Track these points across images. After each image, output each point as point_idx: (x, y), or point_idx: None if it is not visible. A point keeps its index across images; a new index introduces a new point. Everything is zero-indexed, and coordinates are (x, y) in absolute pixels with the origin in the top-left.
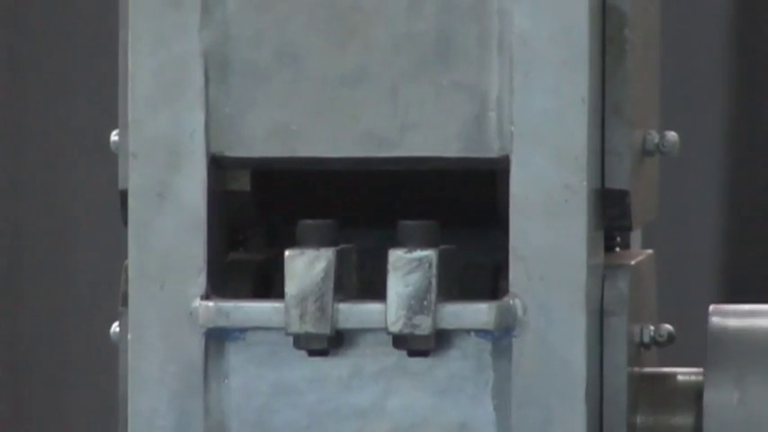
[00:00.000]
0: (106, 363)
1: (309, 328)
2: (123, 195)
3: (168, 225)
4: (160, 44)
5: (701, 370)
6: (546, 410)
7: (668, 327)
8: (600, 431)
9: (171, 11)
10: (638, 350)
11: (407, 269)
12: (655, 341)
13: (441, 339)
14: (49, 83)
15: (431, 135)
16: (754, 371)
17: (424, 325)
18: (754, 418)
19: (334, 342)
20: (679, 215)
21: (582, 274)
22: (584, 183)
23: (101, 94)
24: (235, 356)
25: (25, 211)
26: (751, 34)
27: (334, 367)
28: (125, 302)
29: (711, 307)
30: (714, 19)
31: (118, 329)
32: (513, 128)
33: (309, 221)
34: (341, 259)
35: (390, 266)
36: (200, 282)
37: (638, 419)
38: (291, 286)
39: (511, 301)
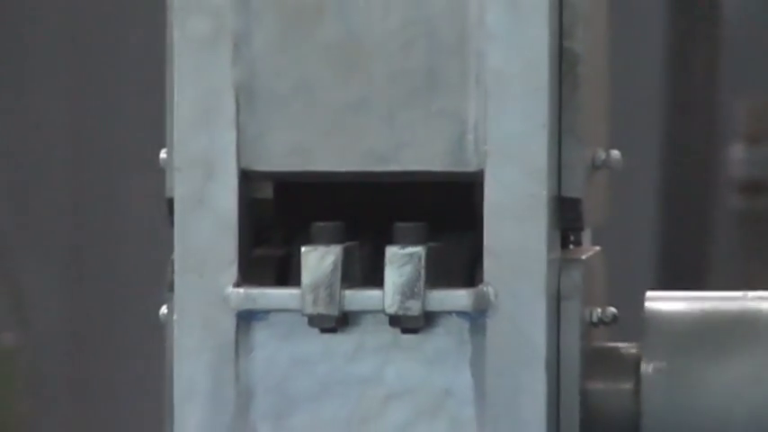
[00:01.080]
0: (157, 338)
1: (321, 310)
2: (170, 202)
3: (206, 226)
4: (199, 78)
5: (638, 344)
6: (514, 378)
7: (613, 309)
8: (557, 395)
9: (208, 51)
10: (589, 328)
11: (401, 262)
12: (602, 321)
13: (428, 319)
14: (112, 112)
15: (421, 153)
16: (681, 344)
17: (415, 308)
18: (683, 381)
19: (341, 322)
20: (622, 219)
21: (543, 267)
22: (545, 192)
23: (152, 119)
24: (260, 333)
25: (94, 216)
26: (682, 69)
27: (341, 342)
28: (171, 289)
29: (647, 293)
30: (651, 54)
31: (165, 311)
32: (487, 147)
33: (321, 224)
34: (347, 254)
35: (387, 260)
36: (232, 272)
37: (589, 385)
38: (306, 276)
39: (485, 288)
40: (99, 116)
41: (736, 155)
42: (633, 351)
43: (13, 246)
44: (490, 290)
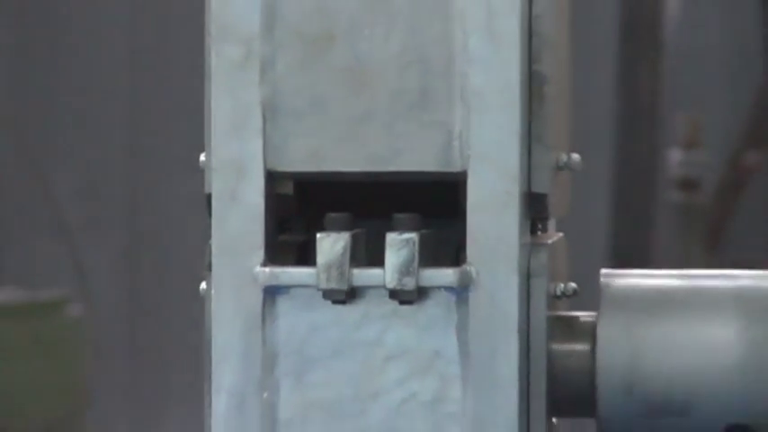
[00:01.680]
0: (198, 309)
1: (333, 285)
2: (208, 197)
3: (238, 217)
4: (232, 95)
5: (595, 313)
6: (491, 341)
7: (573, 285)
8: (527, 355)
9: (239, 72)
10: (554, 300)
11: (399, 246)
12: (564, 294)
13: (421, 293)
14: (163, 123)
15: (415, 156)
16: (630, 312)
17: (410, 284)
18: (632, 343)
19: (350, 295)
20: (581, 210)
21: (515, 250)
22: (517, 189)
23: (195, 129)
24: (282, 305)
25: (147, 208)
26: (630, 88)
27: (350, 312)
28: (209, 269)
29: (602, 270)
30: (605, 75)
31: (204, 287)
32: (469, 152)
33: (333, 215)
34: (354, 240)
35: (387, 244)
36: (260, 255)
37: (553, 346)
38: (321, 258)
39: (468, 268)
40: (152, 128)
41: (674, 158)
42: (590, 319)
43: (80, 233)
44: (472, 269)
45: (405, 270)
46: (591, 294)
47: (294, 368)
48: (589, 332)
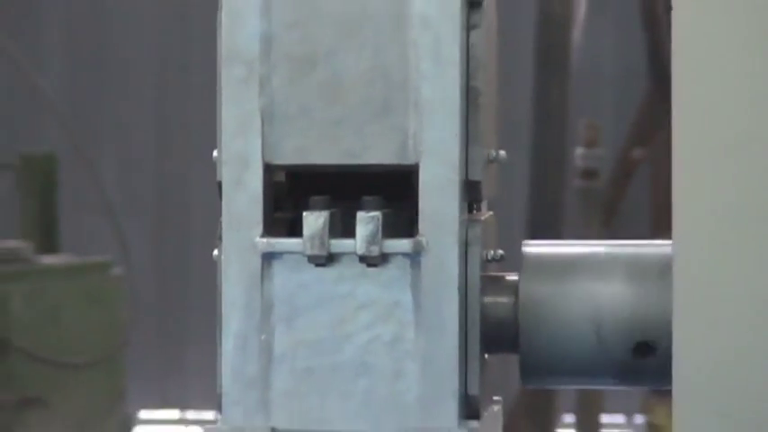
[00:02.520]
0: (212, 270)
1: (316, 252)
2: (219, 184)
3: (243, 199)
4: (238, 104)
5: (517, 273)
6: (438, 295)
7: (501, 251)
8: (465, 306)
9: (243, 87)
10: (486, 264)
11: (366, 222)
12: (494, 259)
13: (384, 258)
14: (185, 121)
15: (379, 152)
16: (545, 273)
17: (375, 251)
18: (546, 297)
19: (329, 260)
20: (506, 194)
21: (456, 225)
22: (458, 177)
23: (210, 131)
24: (277, 267)
25: (174, 190)
26: (545, 99)
27: (328, 273)
28: (220, 239)
29: (524, 241)
30: (524, 88)
31: (216, 253)
32: (421, 149)
33: (316, 197)
34: (332, 217)
35: (357, 220)
36: (259, 228)
37: (485, 299)
38: (306, 231)
39: (420, 239)
40: (178, 128)
41: (578, 154)
42: (514, 278)
43: (120, 212)
44: (423, 239)
45: (371, 240)
46: (514, 259)
47: (286, 315)
48: (513, 288)
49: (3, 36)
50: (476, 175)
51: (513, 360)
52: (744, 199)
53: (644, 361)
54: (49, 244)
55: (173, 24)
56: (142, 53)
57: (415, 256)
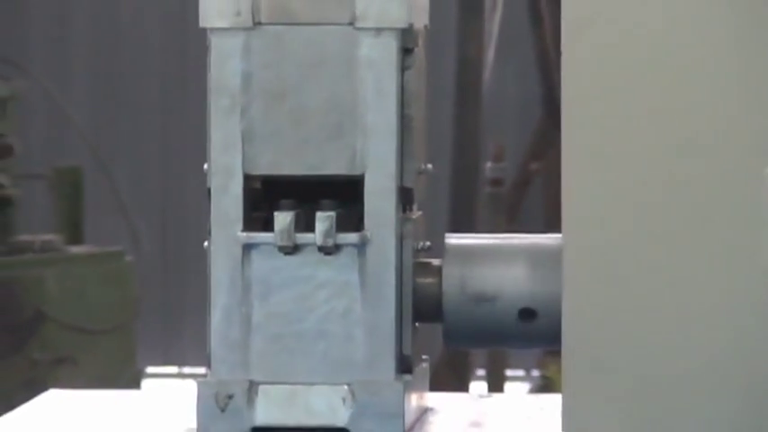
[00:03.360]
0: (203, 258)
1: (284, 243)
2: (209, 190)
3: (228, 202)
4: (223, 127)
5: (441, 260)
6: (379, 278)
7: (428, 243)
8: (401, 285)
9: (228, 114)
10: (417, 252)
11: (324, 220)
12: (423, 249)
13: (337, 248)
14: (185, 141)
15: (334, 165)
16: (463, 259)
17: (331, 242)
18: (463, 274)
19: (295, 249)
20: (432, 198)
21: (394, 222)
22: (395, 185)
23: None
24: (254, 255)
25: (178, 192)
26: (462, 124)
27: (294, 259)
28: (210, 234)
29: (446, 234)
30: (445, 117)
31: (206, 244)
32: (366, 163)
33: (284, 200)
34: (297, 216)
35: (317, 219)
36: (240, 225)
37: (417, 279)
38: (277, 227)
39: (365, 233)
40: (179, 141)
41: (488, 166)
42: (438, 263)
43: (131, 209)
44: (368, 233)
45: (327, 234)
46: (438, 248)
47: (261, 293)
48: (438, 271)
49: (37, 69)
50: (409, 183)
51: (437, 328)
52: (613, 201)
53: (532, 326)
54: (75, 237)
55: (175, 50)
56: (148, 76)
57: (361, 247)
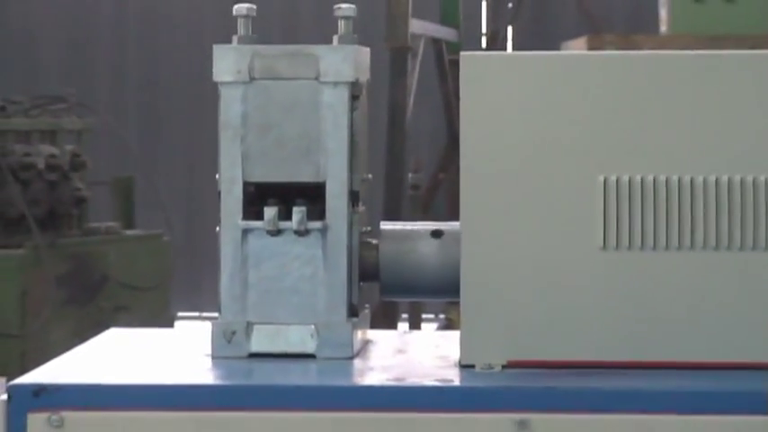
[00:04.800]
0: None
1: (270, 228)
2: (219, 192)
3: (232, 200)
4: (228, 149)
5: (378, 239)
6: (335, 252)
7: (369, 228)
8: (351, 256)
9: (232, 142)
10: (361, 235)
11: (298, 212)
12: (365, 232)
13: (307, 232)
14: (210, 164)
15: (306, 175)
16: (393, 239)
17: (303, 228)
18: (398, 253)
19: (278, 233)
20: (371, 198)
21: (346, 214)
22: (347, 189)
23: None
24: (250, 236)
25: (200, 187)
26: (386, 145)
27: (277, 240)
28: (220, 222)
29: (381, 222)
30: (380, 142)
31: (218, 229)
32: (326, 173)
33: (271, 199)
34: (279, 209)
35: (294, 212)
36: (240, 215)
37: (362, 252)
38: (266, 216)
39: (327, 221)
40: (201, 154)
41: (410, 176)
42: (376, 242)
43: (166, 201)
44: (328, 222)
45: (300, 222)
46: (376, 232)
47: (254, 263)
48: (376, 247)
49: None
50: (356, 188)
51: (375, 286)
52: (491, 199)
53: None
54: (128, 224)
55: (197, 95)
56: (179, 113)
57: (323, 231)
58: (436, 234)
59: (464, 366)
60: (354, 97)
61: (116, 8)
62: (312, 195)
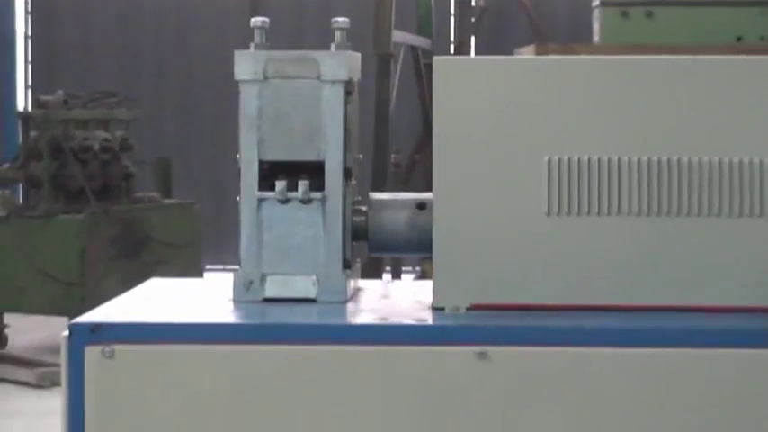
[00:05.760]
0: (237, 208)
1: (281, 198)
2: (239, 170)
3: (250, 176)
4: (247, 135)
5: (366, 207)
6: (332, 217)
7: (359, 198)
8: (345, 220)
9: (250, 131)
10: (353, 204)
11: (303, 185)
12: (356, 202)
13: (310, 201)
14: (232, 146)
15: (309, 155)
16: (380, 208)
17: (306, 197)
18: (376, 218)
19: (286, 201)
20: (361, 174)
21: (341, 187)
22: (341, 167)
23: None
24: (264, 205)
25: (225, 167)
26: (380, 130)
27: (286, 207)
28: (240, 193)
29: (370, 194)
30: (369, 133)
31: (239, 198)
32: (325, 154)
33: (281, 174)
34: (288, 182)
35: (299, 184)
36: (256, 187)
37: (353, 219)
38: (277, 188)
39: (326, 192)
40: (226, 139)
41: (393, 157)
42: (365, 209)
43: (197, 177)
44: (327, 194)
45: (305, 193)
46: (365, 200)
47: (268, 226)
48: (365, 213)
49: (145, 102)
50: (349, 165)
51: (364, 244)
52: (458, 175)
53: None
54: (167, 194)
55: (223, 92)
56: (209, 106)
57: (323, 200)
58: (421, 206)
59: (435, 308)
60: (348, 93)
61: (156, 20)
62: (314, 172)
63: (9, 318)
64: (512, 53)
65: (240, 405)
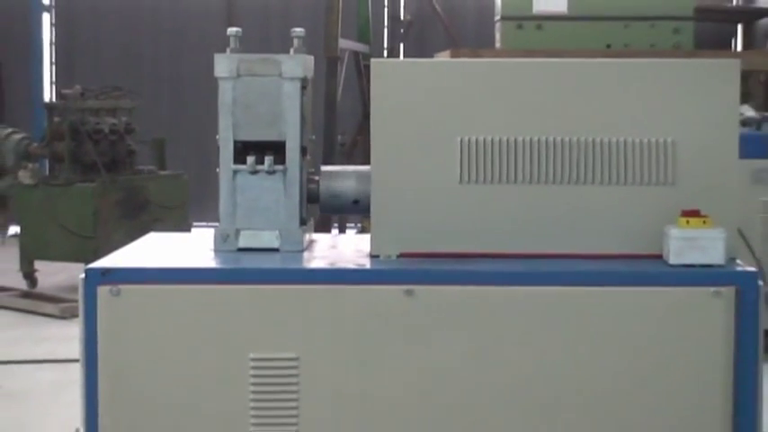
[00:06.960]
0: (217, 177)
1: (251, 169)
2: (218, 148)
3: (227, 152)
4: (224, 119)
5: (319, 177)
6: (291, 185)
7: (313, 170)
8: (301, 188)
9: (227, 114)
10: (308, 174)
11: (268, 159)
12: (310, 173)
13: (274, 172)
14: (214, 128)
15: (273, 135)
16: (329, 177)
17: (272, 169)
18: (329, 184)
19: (255, 173)
20: (314, 152)
21: (298, 161)
22: (299, 145)
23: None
24: (238, 175)
25: (212, 148)
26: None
27: (255, 177)
28: (219, 165)
29: (321, 166)
30: (319, 121)
31: (218, 170)
32: (286, 134)
33: (251, 152)
34: (256, 158)
35: (265, 159)
36: (231, 161)
37: (308, 186)
38: (248, 162)
39: (287, 166)
40: (211, 123)
41: (339, 138)
42: (318, 178)
43: (186, 153)
44: (287, 166)
45: (269, 166)
46: (317, 172)
47: (240, 191)
48: (317, 182)
49: (146, 93)
50: (305, 144)
51: (316, 206)
52: (394, 152)
53: (357, 207)
54: (162, 167)
55: (210, 84)
56: (198, 101)
57: (284, 172)
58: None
59: (373, 256)
60: (303, 88)
61: (153, 26)
62: (277, 149)
63: (39, 264)
64: (432, 56)
65: (220, 332)
